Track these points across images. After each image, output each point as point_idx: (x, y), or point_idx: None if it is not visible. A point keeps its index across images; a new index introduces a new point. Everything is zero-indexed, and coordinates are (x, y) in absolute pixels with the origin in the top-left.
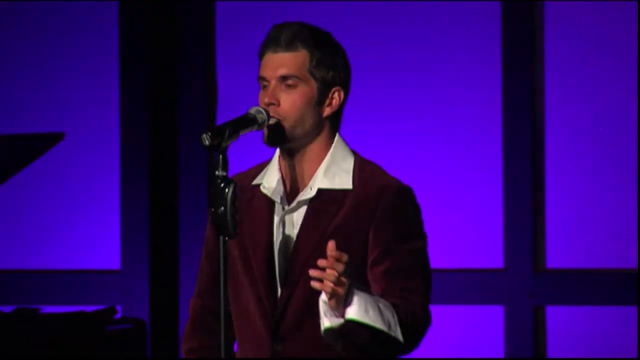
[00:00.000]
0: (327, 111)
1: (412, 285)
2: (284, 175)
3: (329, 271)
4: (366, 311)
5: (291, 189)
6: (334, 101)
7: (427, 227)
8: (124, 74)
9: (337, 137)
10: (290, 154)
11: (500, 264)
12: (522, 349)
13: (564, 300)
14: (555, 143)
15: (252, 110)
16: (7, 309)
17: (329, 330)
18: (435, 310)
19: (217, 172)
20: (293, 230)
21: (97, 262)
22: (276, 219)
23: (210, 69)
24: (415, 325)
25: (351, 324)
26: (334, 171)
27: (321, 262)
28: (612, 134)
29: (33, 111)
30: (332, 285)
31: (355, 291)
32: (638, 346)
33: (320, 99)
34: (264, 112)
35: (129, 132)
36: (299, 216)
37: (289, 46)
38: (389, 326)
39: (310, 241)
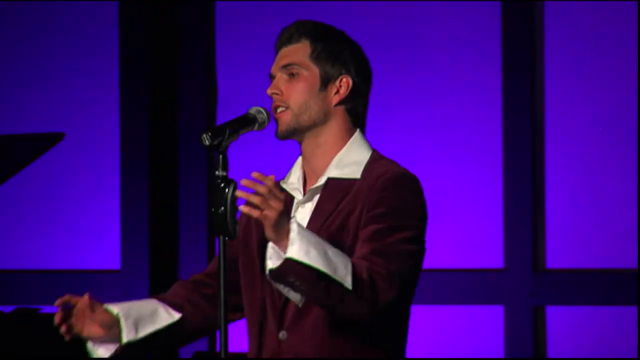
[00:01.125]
0: (335, 99)
1: (386, 251)
2: (304, 171)
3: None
4: (307, 252)
5: (310, 182)
6: (341, 89)
7: (427, 227)
8: (124, 74)
9: (357, 133)
10: (306, 148)
11: (500, 264)
12: (522, 349)
13: (564, 300)
14: (555, 143)
15: (252, 110)
16: (7, 309)
17: (271, 271)
18: (435, 310)
19: (217, 172)
20: (306, 219)
21: (97, 262)
22: (293, 211)
23: (210, 69)
24: (373, 285)
25: (292, 264)
26: (346, 162)
27: (244, 182)
28: (612, 134)
29: (33, 111)
30: (258, 205)
31: (300, 232)
32: (638, 346)
33: (324, 86)
34: (264, 112)
35: (129, 132)
36: (312, 205)
37: (292, 39)
38: (335, 271)
39: (314, 228)
